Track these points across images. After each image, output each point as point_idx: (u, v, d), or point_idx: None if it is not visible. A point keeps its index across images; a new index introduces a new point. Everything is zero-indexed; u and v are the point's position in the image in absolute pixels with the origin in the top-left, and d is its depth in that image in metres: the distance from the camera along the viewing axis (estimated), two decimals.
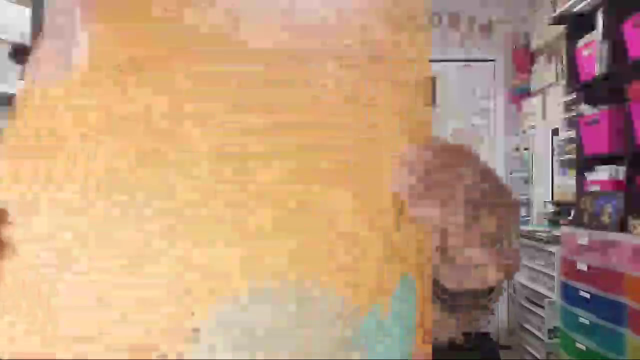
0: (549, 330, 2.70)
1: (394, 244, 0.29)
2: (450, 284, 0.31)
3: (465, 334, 0.34)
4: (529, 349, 3.02)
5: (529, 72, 3.68)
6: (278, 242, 0.28)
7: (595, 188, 2.26)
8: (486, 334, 3.22)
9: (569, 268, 2.19)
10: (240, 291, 0.27)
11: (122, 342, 0.27)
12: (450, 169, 0.29)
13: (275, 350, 0.26)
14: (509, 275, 0.31)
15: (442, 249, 0.30)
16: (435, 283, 0.32)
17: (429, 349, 0.29)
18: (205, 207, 0.28)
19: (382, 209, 0.29)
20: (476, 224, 0.29)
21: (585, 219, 2.26)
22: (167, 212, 0.28)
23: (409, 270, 0.29)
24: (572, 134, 2.78)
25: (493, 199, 0.30)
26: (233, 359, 0.27)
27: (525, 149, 3.42)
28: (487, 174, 0.30)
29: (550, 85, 3.34)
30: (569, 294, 2.19)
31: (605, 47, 2.19)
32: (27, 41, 2.37)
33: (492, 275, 0.30)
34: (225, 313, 0.27)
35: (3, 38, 2.30)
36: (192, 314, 0.27)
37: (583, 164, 2.41)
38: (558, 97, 3.18)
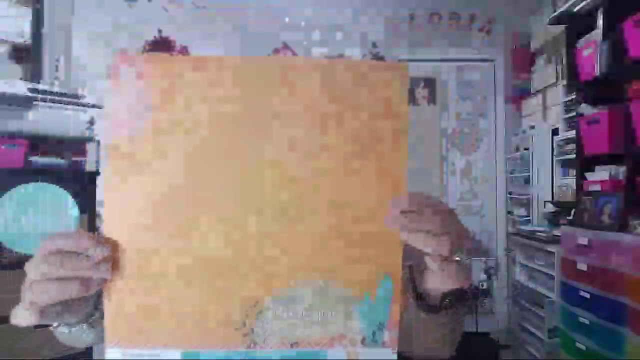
0: (549, 330, 2.70)
1: (383, 256, 0.47)
2: (426, 287, 0.51)
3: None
4: (529, 349, 3.01)
5: (529, 72, 3.68)
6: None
7: (595, 188, 2.26)
8: (486, 334, 3.22)
9: (569, 268, 2.19)
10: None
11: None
12: (427, 209, 0.46)
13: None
14: (465, 284, 0.49)
15: (417, 263, 0.49)
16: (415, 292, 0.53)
17: (397, 318, 0.48)
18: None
19: (379, 233, 0.46)
20: (444, 247, 0.46)
21: (585, 219, 2.26)
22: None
23: (388, 272, 0.47)
24: (572, 134, 2.78)
25: (454, 230, 0.46)
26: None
27: (525, 149, 3.41)
28: (451, 213, 0.48)
29: (550, 85, 3.34)
30: (569, 294, 2.19)
31: (605, 47, 2.19)
32: (27, 41, 2.37)
33: (451, 284, 0.49)
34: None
35: (3, 38, 2.29)
36: None
37: (583, 164, 2.41)
38: (558, 97, 3.18)
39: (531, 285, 3.02)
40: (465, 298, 0.51)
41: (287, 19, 3.66)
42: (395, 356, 0.48)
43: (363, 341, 0.47)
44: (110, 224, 0.44)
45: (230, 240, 0.45)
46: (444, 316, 0.52)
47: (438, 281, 0.49)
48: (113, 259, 0.44)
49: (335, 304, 0.47)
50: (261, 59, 0.45)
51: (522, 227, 3.29)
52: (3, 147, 1.79)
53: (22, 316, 0.44)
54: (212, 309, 0.46)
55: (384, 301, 0.47)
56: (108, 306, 0.45)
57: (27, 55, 2.42)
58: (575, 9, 2.46)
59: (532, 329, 2.96)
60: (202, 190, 0.44)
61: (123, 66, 0.43)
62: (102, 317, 0.48)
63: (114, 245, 0.44)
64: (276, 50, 3.58)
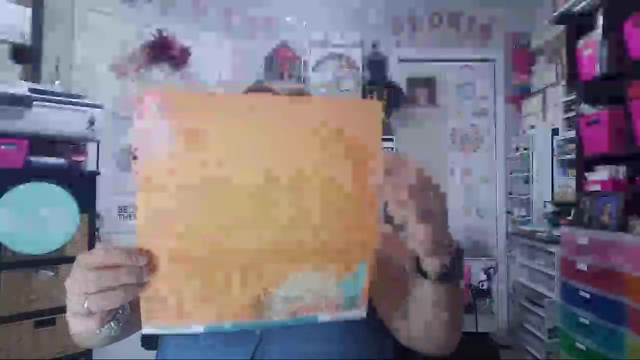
0: (549, 330, 2.70)
1: (361, 247, 0.59)
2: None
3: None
4: (529, 349, 3.02)
5: (529, 72, 3.68)
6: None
7: (595, 188, 2.26)
8: (486, 334, 3.22)
9: (569, 268, 2.20)
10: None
11: None
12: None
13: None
14: (444, 238, 0.57)
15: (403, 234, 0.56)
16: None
17: (367, 292, 0.62)
18: None
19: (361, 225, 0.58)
20: (421, 203, 0.53)
21: (585, 219, 2.26)
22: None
23: (364, 258, 0.60)
24: (572, 134, 2.79)
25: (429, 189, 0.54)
26: None
27: (525, 149, 3.41)
28: (428, 179, 0.54)
29: (550, 85, 3.34)
30: (569, 294, 2.19)
31: (605, 47, 2.19)
32: (27, 41, 2.37)
33: (432, 239, 0.55)
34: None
35: (3, 38, 2.29)
36: None
37: (583, 164, 2.41)
38: (558, 97, 3.18)
39: (531, 285, 3.02)
40: (458, 264, 0.62)
41: (287, 19, 3.66)
42: (364, 314, 0.62)
43: (342, 307, 0.62)
44: (144, 235, 0.53)
45: (243, 243, 0.55)
46: (441, 287, 0.62)
47: (420, 237, 0.55)
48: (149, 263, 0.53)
49: (323, 284, 0.60)
50: (250, 98, 0.56)
51: (522, 227, 3.29)
52: (3, 147, 1.79)
53: (84, 324, 0.54)
54: (230, 293, 0.57)
55: (360, 279, 0.61)
56: (143, 292, 0.54)
57: (27, 55, 2.42)
58: (575, 9, 2.46)
59: (532, 329, 2.96)
60: (223, 205, 0.54)
61: (149, 101, 0.50)
62: (124, 313, 0.60)
63: (148, 253, 0.53)
64: (276, 50, 3.58)
